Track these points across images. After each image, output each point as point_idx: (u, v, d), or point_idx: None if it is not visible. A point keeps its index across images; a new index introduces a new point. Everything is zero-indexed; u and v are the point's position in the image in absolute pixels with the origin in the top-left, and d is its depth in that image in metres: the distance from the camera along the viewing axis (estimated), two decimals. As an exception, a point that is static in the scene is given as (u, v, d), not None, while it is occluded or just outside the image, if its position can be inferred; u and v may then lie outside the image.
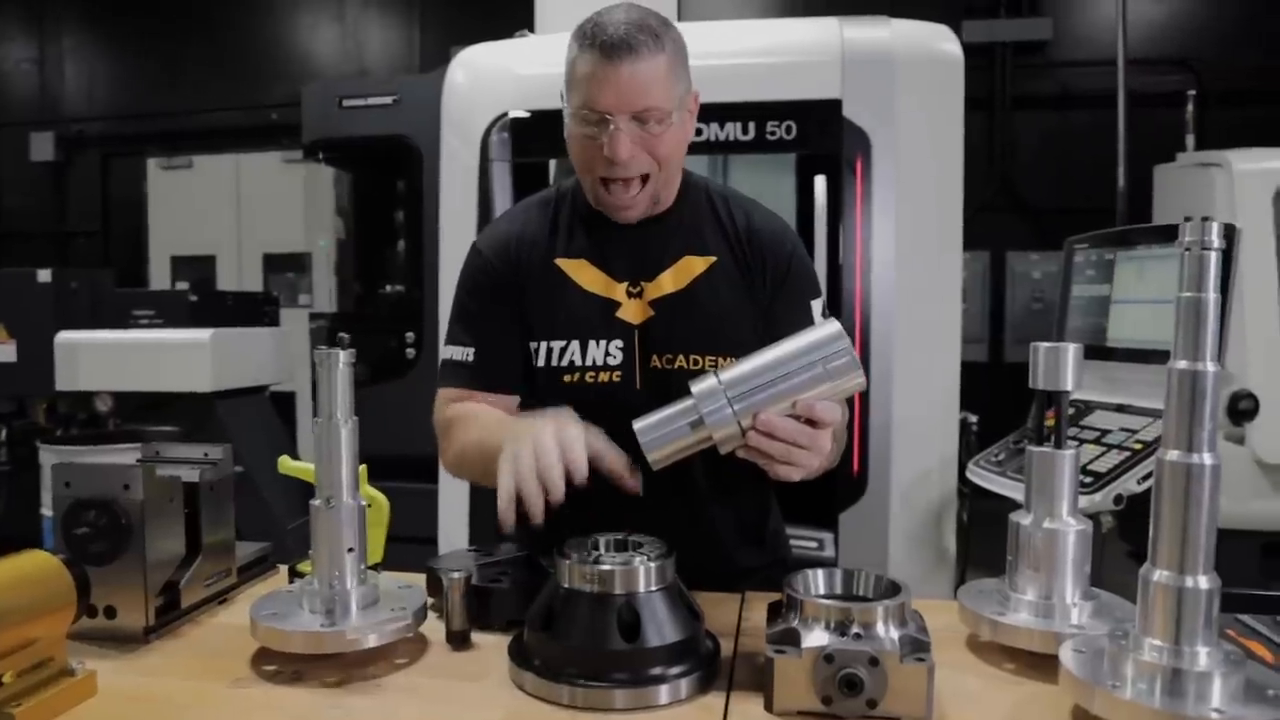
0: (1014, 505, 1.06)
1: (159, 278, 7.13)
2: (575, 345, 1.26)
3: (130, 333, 3.46)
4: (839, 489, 2.62)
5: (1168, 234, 2.35)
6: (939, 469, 2.64)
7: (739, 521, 1.35)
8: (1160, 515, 0.80)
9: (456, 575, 1.05)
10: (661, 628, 0.92)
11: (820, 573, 0.96)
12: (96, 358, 3.30)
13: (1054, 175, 5.38)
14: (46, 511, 3.11)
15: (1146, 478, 2.07)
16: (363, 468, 1.22)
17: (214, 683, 0.95)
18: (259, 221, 6.86)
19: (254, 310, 4.78)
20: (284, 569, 1.30)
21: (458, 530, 2.69)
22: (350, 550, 1.01)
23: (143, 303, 4.36)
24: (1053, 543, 0.98)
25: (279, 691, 0.93)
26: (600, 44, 1.13)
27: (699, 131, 2.70)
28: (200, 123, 6.93)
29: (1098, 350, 2.34)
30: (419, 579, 1.15)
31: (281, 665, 0.97)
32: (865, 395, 2.61)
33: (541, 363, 1.28)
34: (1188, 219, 0.78)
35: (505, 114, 2.75)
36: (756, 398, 0.96)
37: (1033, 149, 5.50)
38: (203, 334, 3.26)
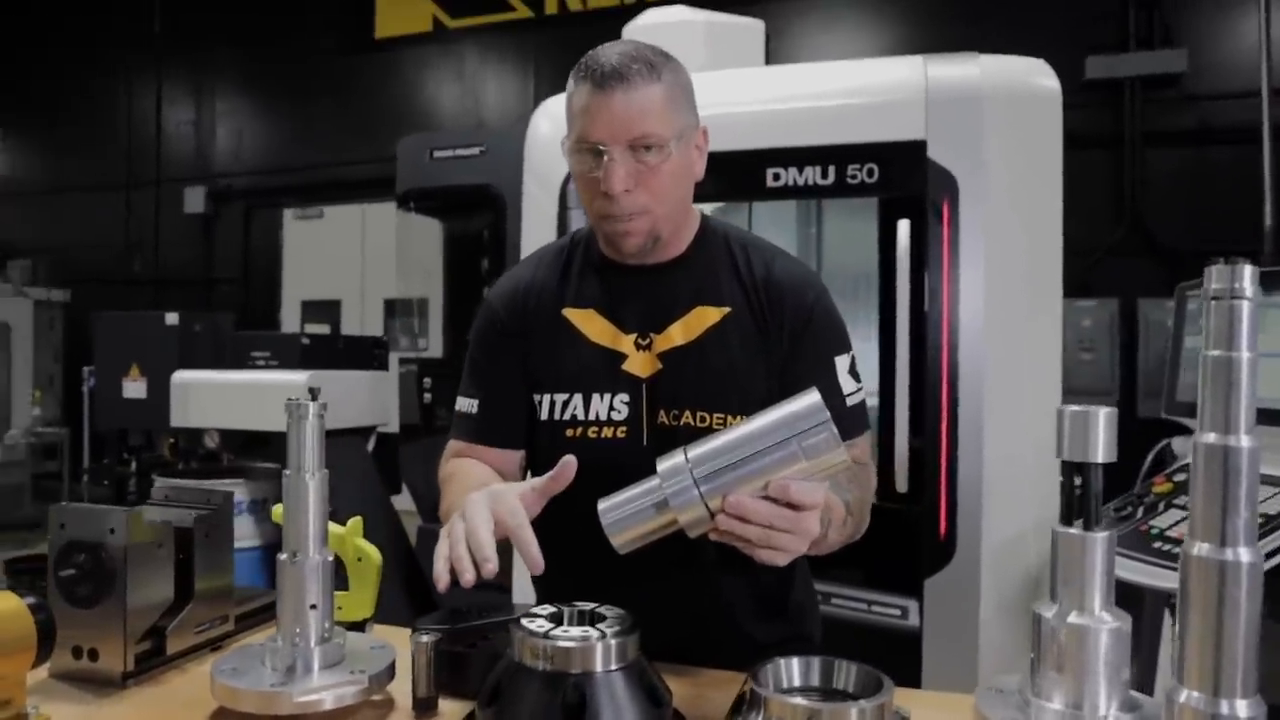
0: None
1: (290, 321, 7.59)
2: (579, 398, 1.20)
3: (233, 373, 3.65)
4: (924, 553, 2.44)
5: (1300, 280, 2.09)
6: (1035, 533, 2.42)
7: (755, 592, 1.24)
8: (1188, 622, 0.66)
9: (425, 639, 0.99)
10: (619, 712, 0.83)
11: (795, 662, 0.85)
12: (204, 396, 3.49)
13: (1191, 216, 4.94)
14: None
15: (1273, 554, 1.82)
16: (356, 520, 1.20)
17: (165, 738, 0.92)
18: (383, 267, 7.21)
19: (364, 354, 4.97)
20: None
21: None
22: (314, 607, 0.98)
23: (260, 345, 4.63)
24: (1081, 641, 0.83)
25: (222, 753, 0.90)
26: (593, 75, 1.10)
27: (776, 176, 2.67)
28: (331, 175, 7.38)
29: (1215, 410, 2.08)
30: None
31: (236, 724, 0.94)
32: (953, 454, 2.43)
33: (545, 416, 1.22)
34: (1212, 262, 0.65)
35: (584, 162, 2.76)
36: (725, 478, 0.87)
37: (1166, 188, 5.07)
38: (299, 375, 3.39)
